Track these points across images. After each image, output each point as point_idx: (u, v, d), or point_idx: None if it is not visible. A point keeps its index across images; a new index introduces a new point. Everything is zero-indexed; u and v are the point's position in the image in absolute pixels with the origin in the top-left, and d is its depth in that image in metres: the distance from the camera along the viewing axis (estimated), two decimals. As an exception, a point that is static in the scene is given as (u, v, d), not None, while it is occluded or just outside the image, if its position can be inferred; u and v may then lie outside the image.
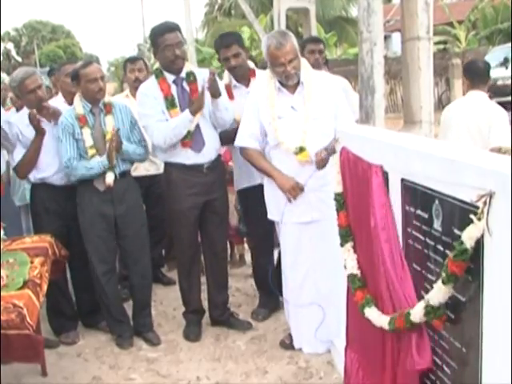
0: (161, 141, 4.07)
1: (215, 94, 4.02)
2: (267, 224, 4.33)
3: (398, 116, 12.37)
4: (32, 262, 3.43)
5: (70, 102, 4.35)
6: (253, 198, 4.43)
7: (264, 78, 3.94)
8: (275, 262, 4.62)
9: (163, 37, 4.02)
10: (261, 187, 4.19)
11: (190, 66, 4.26)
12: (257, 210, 4.30)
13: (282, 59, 3.69)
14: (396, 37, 25.21)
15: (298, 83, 3.83)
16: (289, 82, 3.79)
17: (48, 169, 4.26)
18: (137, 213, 4.28)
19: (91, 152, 4.09)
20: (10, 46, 60.02)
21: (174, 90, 4.14)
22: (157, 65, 4.42)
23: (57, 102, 4.54)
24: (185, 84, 4.16)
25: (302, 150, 3.75)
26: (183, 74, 4.16)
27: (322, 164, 3.58)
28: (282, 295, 4.21)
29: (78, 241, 4.26)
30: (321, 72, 4.21)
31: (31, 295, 3.08)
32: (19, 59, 54.04)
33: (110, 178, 4.10)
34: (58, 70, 4.88)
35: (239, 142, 4.01)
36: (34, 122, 4.10)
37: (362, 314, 2.98)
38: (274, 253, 4.78)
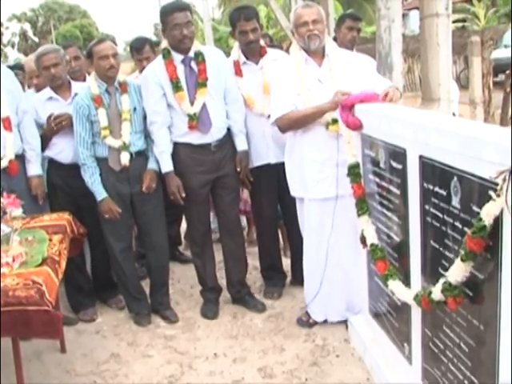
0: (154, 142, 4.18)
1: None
2: (274, 204, 4.51)
3: (416, 95, 12.26)
4: (50, 240, 3.45)
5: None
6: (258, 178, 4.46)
7: (291, 51, 3.90)
8: None
9: (172, 15, 3.97)
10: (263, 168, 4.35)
11: (198, 45, 4.19)
12: (264, 189, 4.42)
13: (306, 17, 3.72)
14: (413, 15, 24.89)
15: (323, 56, 3.82)
16: (311, 44, 3.73)
17: (53, 148, 4.31)
18: (153, 191, 4.25)
19: (104, 133, 4.08)
20: (27, 26, 60.26)
21: (181, 70, 4.08)
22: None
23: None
24: (193, 64, 4.10)
25: (334, 121, 3.68)
26: (191, 54, 4.10)
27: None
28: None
29: (90, 218, 4.27)
30: (345, 50, 4.17)
31: (50, 272, 3.09)
32: (36, 39, 54.22)
33: (125, 159, 4.10)
34: None
35: (276, 114, 3.84)
36: (52, 125, 4.20)
37: (385, 285, 3.02)
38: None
